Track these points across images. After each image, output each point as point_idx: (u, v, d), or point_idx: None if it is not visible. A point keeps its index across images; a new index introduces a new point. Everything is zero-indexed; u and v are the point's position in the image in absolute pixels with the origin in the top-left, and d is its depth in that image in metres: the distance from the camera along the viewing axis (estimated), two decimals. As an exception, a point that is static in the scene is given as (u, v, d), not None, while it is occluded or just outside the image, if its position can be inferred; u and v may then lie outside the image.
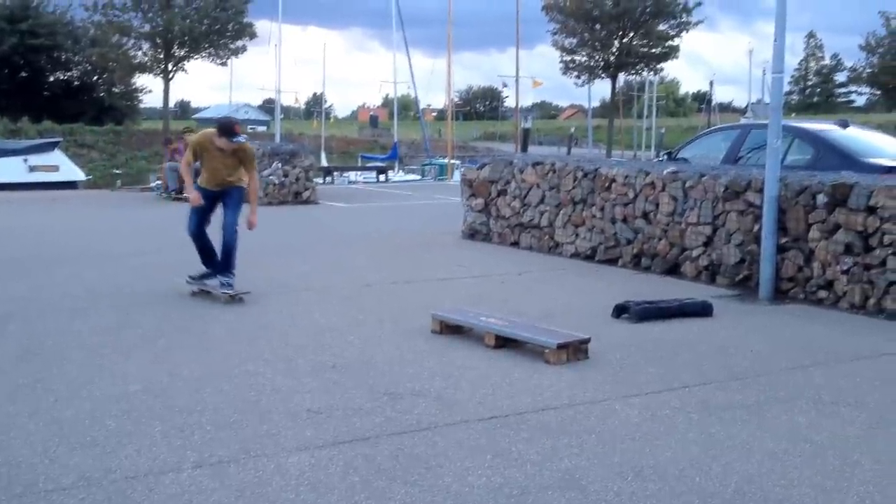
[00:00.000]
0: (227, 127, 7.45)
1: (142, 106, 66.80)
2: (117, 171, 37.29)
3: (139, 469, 3.77)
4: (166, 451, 3.98)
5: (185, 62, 49.55)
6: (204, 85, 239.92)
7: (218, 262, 7.66)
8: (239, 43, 50.75)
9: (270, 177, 16.66)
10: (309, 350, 5.85)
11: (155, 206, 16.81)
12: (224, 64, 51.90)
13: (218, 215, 7.82)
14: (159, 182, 18.93)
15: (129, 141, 51.17)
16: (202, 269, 7.75)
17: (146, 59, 48.67)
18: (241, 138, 7.48)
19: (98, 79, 58.33)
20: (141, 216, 15.00)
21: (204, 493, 3.53)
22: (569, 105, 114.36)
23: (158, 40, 47.30)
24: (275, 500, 3.48)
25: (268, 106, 75.63)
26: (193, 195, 7.58)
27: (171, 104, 57.31)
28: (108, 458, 3.88)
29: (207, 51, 49.89)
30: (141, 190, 21.63)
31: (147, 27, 47.63)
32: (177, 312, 6.99)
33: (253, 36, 50.85)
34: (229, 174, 7.62)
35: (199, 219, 7.69)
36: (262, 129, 72.05)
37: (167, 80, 48.94)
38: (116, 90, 59.74)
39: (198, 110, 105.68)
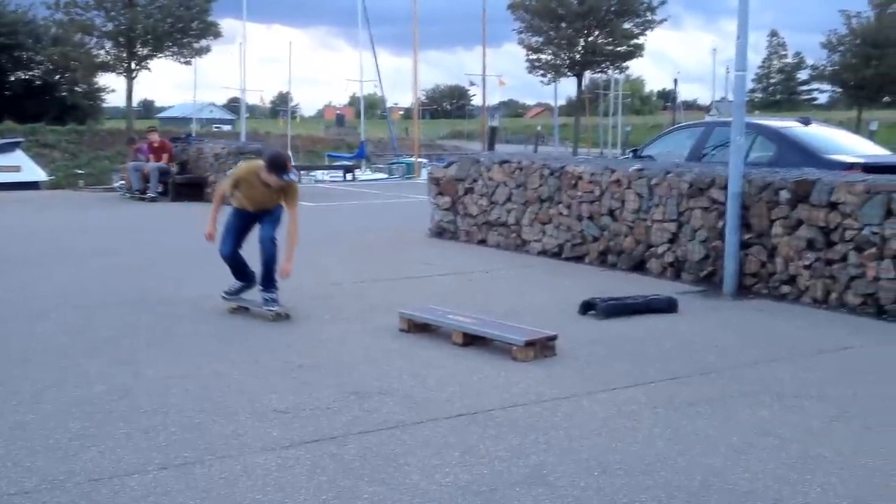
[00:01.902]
0: (279, 163, 6.70)
1: (105, 105, 66.07)
2: (80, 172, 36.81)
3: (103, 471, 3.72)
4: (131, 452, 3.94)
5: (149, 61, 49.10)
6: (168, 84, 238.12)
7: (251, 275, 7.09)
8: (203, 42, 50.39)
9: (236, 176, 16.53)
10: (276, 350, 5.82)
11: (119, 206, 16.63)
12: (188, 63, 51.51)
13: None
14: (123, 182, 18.72)
15: (91, 141, 50.50)
16: (235, 282, 7.14)
17: (109, 58, 48.14)
18: (292, 176, 6.79)
19: (60, 78, 57.59)
20: (105, 217, 14.83)
21: (169, 494, 3.50)
22: (535, 103, 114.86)
23: (121, 39, 46.81)
24: (241, 501, 3.46)
25: (233, 105, 75.14)
26: (210, 229, 7.01)
27: (135, 103, 56.67)
28: (72, 461, 3.83)
29: (171, 50, 49.45)
30: (104, 190, 21.39)
31: (110, 26, 47.12)
32: (142, 313, 6.92)
33: (217, 35, 50.53)
34: (271, 203, 6.99)
35: (235, 240, 7.05)
36: (227, 128, 71.54)
37: (130, 80, 48.46)
38: (79, 89, 59.04)
39: (162, 109, 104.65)
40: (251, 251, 7.08)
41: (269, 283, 6.92)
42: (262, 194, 6.87)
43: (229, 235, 7.03)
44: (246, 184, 6.86)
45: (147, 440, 4.10)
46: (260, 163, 6.87)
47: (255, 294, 7.02)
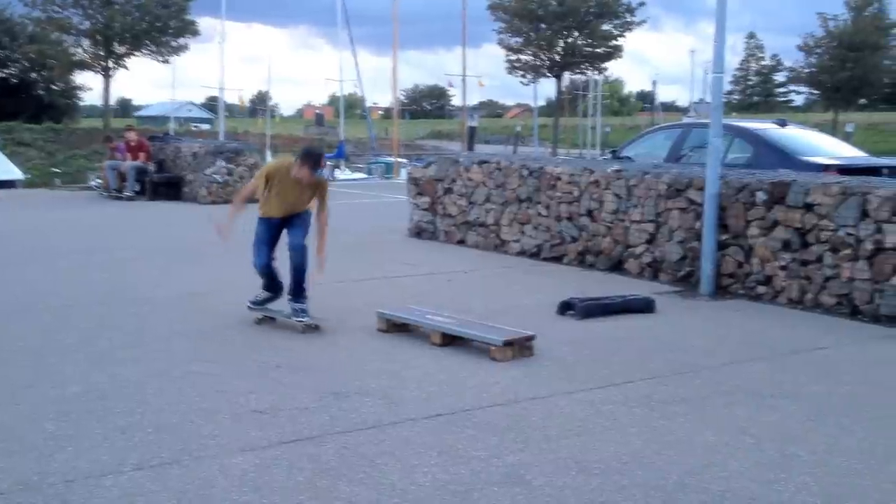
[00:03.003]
0: (313, 157, 6.53)
1: (82, 104, 65.47)
2: (56, 170, 36.47)
3: (79, 472, 3.70)
4: (106, 453, 3.91)
5: (126, 59, 48.73)
6: (146, 82, 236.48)
7: (280, 286, 6.79)
8: (181, 40, 50.07)
9: (214, 175, 16.47)
10: (254, 350, 5.80)
11: (96, 205, 16.50)
12: (166, 61, 51.17)
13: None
14: (99, 181, 18.58)
15: (68, 139, 50.02)
16: (262, 292, 6.85)
17: (86, 56, 47.76)
18: (324, 173, 6.64)
19: (36, 76, 57.05)
20: (82, 216, 14.71)
21: (145, 495, 3.48)
22: (515, 104, 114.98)
23: (99, 37, 46.44)
24: (218, 502, 3.44)
25: (211, 104, 74.73)
26: (225, 227, 6.72)
27: (112, 102, 56.30)
28: (47, 462, 3.80)
29: (149, 48, 49.11)
30: (81, 189, 21.22)
31: (87, 24, 46.73)
32: (118, 312, 6.88)
33: (196, 33, 50.21)
34: (301, 205, 6.72)
35: (269, 251, 6.74)
36: (205, 127, 71.11)
37: (107, 78, 48.10)
38: (56, 88, 58.46)
39: (139, 108, 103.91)
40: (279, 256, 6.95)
41: (299, 292, 6.66)
42: (292, 193, 6.61)
43: (262, 246, 6.73)
44: (277, 181, 6.58)
45: (123, 440, 4.08)
46: (290, 159, 6.66)
47: (280, 304, 6.77)
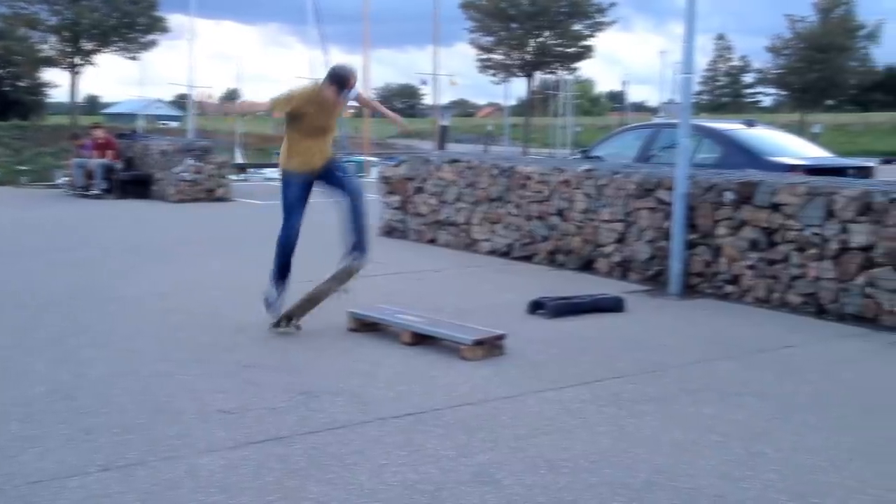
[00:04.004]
0: (340, 76, 5.85)
1: (48, 101, 64.78)
2: (22, 168, 36.02)
3: (44, 473, 3.65)
4: (72, 454, 3.87)
5: (94, 56, 48.30)
6: (114, 79, 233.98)
7: (289, 267, 6.26)
8: (150, 37, 49.70)
9: (183, 174, 16.35)
10: (222, 349, 5.76)
11: (62, 203, 16.31)
12: (135, 58, 50.79)
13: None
14: (66, 179, 18.37)
15: (34, 136, 49.45)
16: (273, 292, 6.22)
17: (53, 52, 47.26)
18: (352, 95, 6.03)
19: (3, 73, 56.34)
20: (48, 214, 14.53)
21: (111, 496, 3.45)
22: (486, 103, 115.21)
23: (66, 33, 45.98)
24: (185, 503, 3.41)
25: (180, 101, 74.10)
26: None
27: (80, 99, 55.73)
28: (11, 463, 3.75)
29: (117, 45, 48.69)
30: (47, 187, 20.96)
31: (55, 20, 46.24)
32: (85, 312, 6.80)
33: (165, 30, 49.94)
34: (329, 145, 6.08)
35: (300, 216, 6.11)
36: (174, 124, 70.55)
37: (75, 75, 47.63)
38: (22, 84, 57.79)
39: (107, 105, 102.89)
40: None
41: (364, 245, 6.13)
42: (328, 122, 5.99)
43: (295, 212, 6.03)
44: (308, 115, 5.87)
45: (88, 441, 4.03)
46: (315, 86, 6.02)
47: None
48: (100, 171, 16.74)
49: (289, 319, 6.21)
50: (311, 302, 6.26)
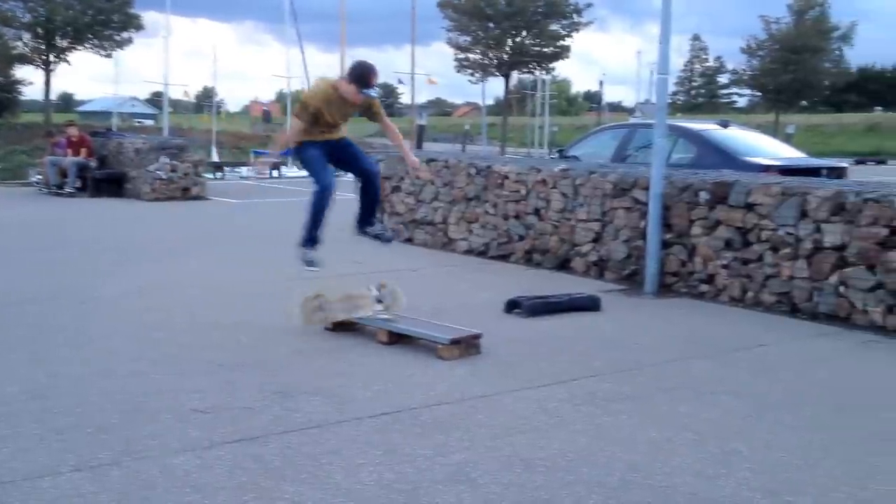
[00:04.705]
0: (362, 74, 5.93)
1: (22, 98, 63.98)
2: (-5, 166, 35.61)
3: (16, 473, 3.61)
4: (44, 454, 3.83)
5: (68, 53, 47.83)
6: (88, 77, 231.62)
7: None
8: (125, 34, 49.27)
9: (157, 172, 16.24)
10: (197, 349, 5.72)
11: (36, 201, 16.16)
12: (109, 56, 50.32)
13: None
14: (40, 177, 18.19)
15: (7, 134, 48.84)
16: (307, 251, 6.39)
17: (27, 50, 46.74)
18: (373, 93, 6.04)
19: (-25, 69, 55.66)
20: (22, 212, 14.38)
21: (84, 496, 3.42)
22: (464, 102, 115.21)
23: (40, 30, 45.49)
24: (159, 503, 3.39)
25: (155, 99, 73.57)
26: (270, 158, 6.18)
27: (53, 96, 55.18)
28: (-18, 464, 3.71)
29: (91, 42, 48.25)
30: (20, 185, 20.73)
31: (28, 17, 45.74)
32: (60, 311, 6.74)
33: (139, 28, 49.49)
34: (343, 130, 6.18)
35: (330, 172, 6.15)
36: (149, 122, 69.99)
37: (48, 72, 47.16)
38: (-6, 81, 57.12)
39: (81, 103, 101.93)
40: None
41: (372, 217, 6.59)
42: (343, 115, 6.07)
43: (325, 169, 6.08)
44: (326, 112, 5.93)
45: (61, 441, 3.99)
46: (330, 80, 6.11)
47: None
48: (74, 170, 16.60)
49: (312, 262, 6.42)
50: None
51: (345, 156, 6.19)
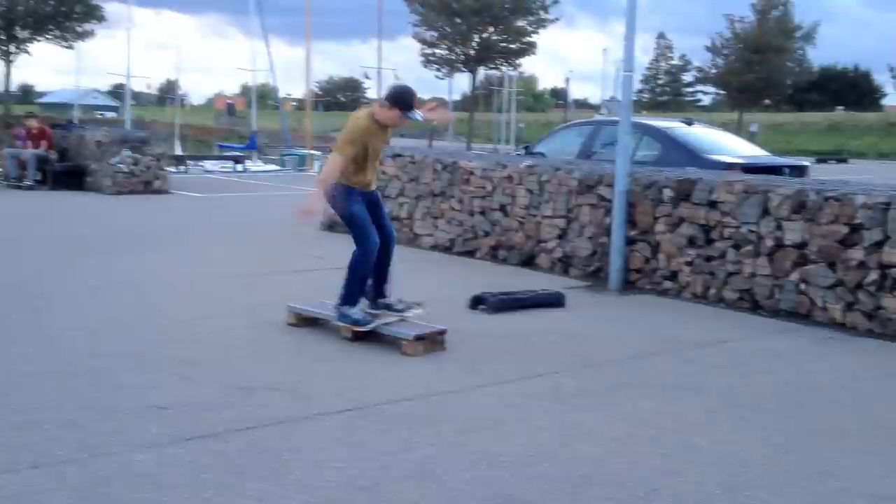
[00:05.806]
0: (405, 99, 5.77)
1: (-19, 89, 62.97)
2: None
3: (-30, 472, 3.55)
4: (1, 451, 3.75)
5: (29, 44, 47.14)
6: (49, 68, 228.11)
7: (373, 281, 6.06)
8: (87, 26, 48.66)
9: (119, 165, 16.03)
10: (157, 345, 5.65)
11: (-6, 194, 15.89)
12: (70, 47, 49.65)
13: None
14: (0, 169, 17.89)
15: (-34, 126, 48.17)
16: (357, 310, 5.91)
17: (-14, 39, 46.04)
18: (418, 115, 5.92)
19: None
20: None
21: (42, 493, 3.36)
22: (430, 98, 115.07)
23: (0, 21, 44.78)
24: (118, 501, 3.34)
25: (118, 91, 72.72)
26: (317, 204, 5.79)
27: (13, 88, 54.35)
28: (-65, 462, 3.63)
29: (53, 33, 47.59)
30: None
31: (-12, 7, 45.05)
32: (15, 307, 6.62)
33: (102, 19, 48.90)
34: (376, 171, 6.03)
35: (374, 230, 5.85)
36: (111, 115, 69.20)
37: (8, 63, 46.44)
38: (-47, 72, 56.12)
39: (42, 94, 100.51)
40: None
41: (388, 283, 6.14)
42: (383, 143, 5.93)
43: (371, 226, 5.83)
44: (373, 140, 5.74)
45: (18, 438, 3.92)
46: (364, 112, 5.83)
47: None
48: (33, 162, 16.34)
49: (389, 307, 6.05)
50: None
51: (373, 213, 5.92)
